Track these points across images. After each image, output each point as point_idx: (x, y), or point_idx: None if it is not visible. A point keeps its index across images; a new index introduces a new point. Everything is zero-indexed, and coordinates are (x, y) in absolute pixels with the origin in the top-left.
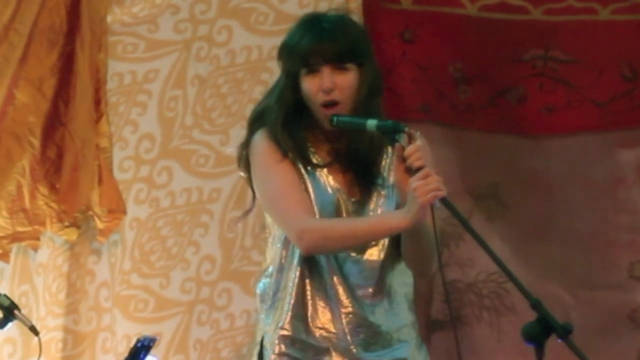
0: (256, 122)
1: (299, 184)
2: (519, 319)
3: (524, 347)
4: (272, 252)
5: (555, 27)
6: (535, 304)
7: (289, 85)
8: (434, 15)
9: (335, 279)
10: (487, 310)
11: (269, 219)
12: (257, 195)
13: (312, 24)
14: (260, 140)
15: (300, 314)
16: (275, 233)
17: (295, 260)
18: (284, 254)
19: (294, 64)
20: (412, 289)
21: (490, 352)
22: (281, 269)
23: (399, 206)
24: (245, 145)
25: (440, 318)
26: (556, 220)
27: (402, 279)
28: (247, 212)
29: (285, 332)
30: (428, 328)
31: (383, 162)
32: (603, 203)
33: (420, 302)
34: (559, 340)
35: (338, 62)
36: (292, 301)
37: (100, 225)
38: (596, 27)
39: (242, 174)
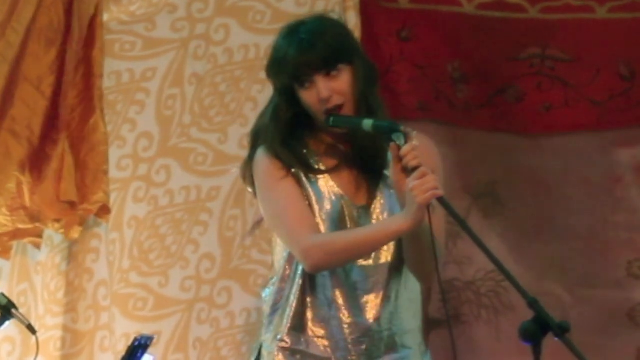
0: (255, 137)
1: (301, 200)
2: (517, 318)
3: (523, 346)
4: (279, 260)
5: (552, 25)
6: (532, 303)
7: (284, 102)
8: (431, 13)
9: (338, 288)
10: (485, 308)
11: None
12: (262, 214)
13: (291, 36)
14: (261, 159)
15: (299, 325)
16: (279, 241)
17: (299, 272)
18: (287, 266)
19: (284, 80)
20: (419, 295)
21: (488, 351)
22: (284, 280)
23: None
24: (249, 161)
25: (438, 317)
26: (554, 219)
27: (408, 283)
28: (259, 222)
29: (284, 344)
30: (426, 326)
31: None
32: (601, 202)
33: None
34: (556, 339)
35: (327, 68)
36: (292, 313)
37: (64, 218)
38: (594, 25)
39: (249, 189)
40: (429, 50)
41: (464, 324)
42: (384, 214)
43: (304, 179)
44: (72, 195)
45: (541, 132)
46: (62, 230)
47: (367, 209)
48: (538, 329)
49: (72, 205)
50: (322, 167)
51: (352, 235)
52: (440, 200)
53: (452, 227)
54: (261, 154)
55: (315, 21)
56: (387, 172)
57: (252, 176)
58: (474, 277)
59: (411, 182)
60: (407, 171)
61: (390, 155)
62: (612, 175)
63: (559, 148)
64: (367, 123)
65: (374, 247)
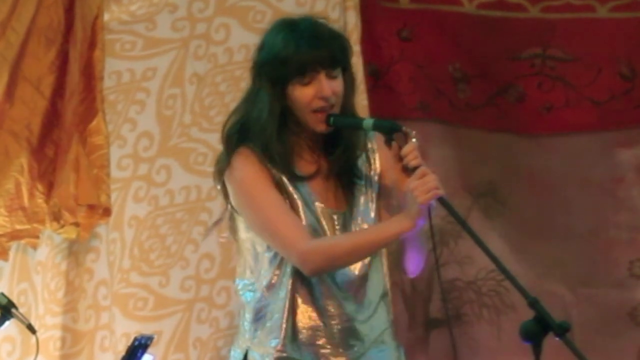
0: (234, 135)
1: (288, 205)
2: (519, 317)
3: (524, 345)
4: (257, 265)
5: (553, 25)
6: (533, 302)
7: (277, 95)
8: (431, 13)
9: (327, 293)
10: (487, 308)
11: (244, 234)
12: (247, 221)
13: (300, 31)
14: (243, 163)
15: (292, 332)
16: (259, 249)
17: (287, 279)
18: (276, 273)
19: (287, 74)
20: (388, 290)
21: (490, 351)
22: (272, 287)
23: (391, 205)
24: (225, 160)
25: (439, 317)
26: (555, 219)
27: (381, 281)
28: (217, 223)
29: (280, 354)
30: (427, 326)
31: (359, 161)
32: (602, 202)
33: (419, 300)
34: (557, 339)
35: (332, 67)
36: (284, 321)
37: (81, 221)
38: (594, 25)
39: (218, 187)
40: (430, 50)
41: (466, 323)
42: (363, 220)
43: (287, 184)
44: (92, 198)
45: (542, 132)
46: (60, 231)
47: (346, 214)
48: (539, 328)
49: (91, 207)
50: (302, 172)
51: (354, 238)
52: (441, 200)
53: (453, 227)
54: (242, 157)
55: (318, 21)
56: (360, 182)
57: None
58: (475, 277)
59: (412, 182)
60: (408, 171)
61: (360, 164)
62: (613, 175)
63: (560, 148)
64: (368, 122)
65: (375, 249)
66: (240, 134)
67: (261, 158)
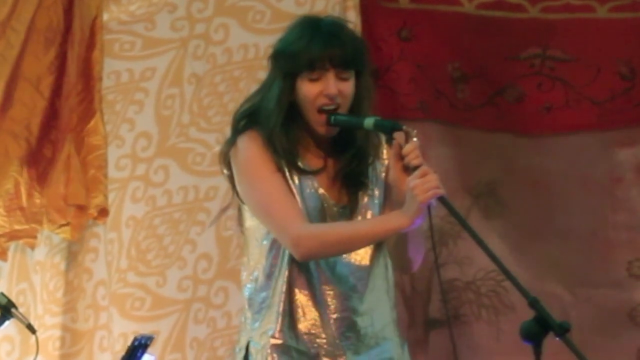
0: (243, 120)
1: (288, 189)
2: (518, 318)
3: (523, 345)
4: (257, 254)
5: (553, 25)
6: (533, 303)
7: (287, 88)
8: (431, 13)
9: (324, 283)
10: (486, 308)
11: (249, 222)
12: (245, 201)
13: (318, 28)
14: (249, 144)
15: (289, 321)
16: (259, 237)
17: (285, 267)
18: (273, 261)
19: (297, 67)
20: (393, 287)
21: (489, 351)
22: (270, 276)
23: (393, 204)
24: (231, 143)
25: (438, 317)
26: (555, 219)
27: (385, 275)
28: (224, 209)
29: (276, 341)
30: (426, 327)
31: (378, 165)
32: (602, 202)
33: (419, 300)
34: (557, 339)
35: (343, 68)
36: (282, 309)
37: (71, 221)
38: (594, 25)
39: (225, 171)
40: (429, 50)
41: (465, 323)
42: (363, 217)
43: (287, 174)
44: (80, 198)
45: (542, 132)
46: (58, 231)
47: (348, 210)
48: (539, 328)
49: (80, 208)
50: (307, 166)
51: (350, 228)
52: (441, 199)
53: (452, 227)
54: (247, 140)
55: (339, 23)
56: (368, 187)
57: (229, 158)
58: (475, 277)
59: (412, 180)
60: (409, 170)
61: (374, 170)
62: (612, 175)
63: (559, 148)
64: (369, 122)
65: (370, 241)
66: (249, 119)
67: (266, 143)
